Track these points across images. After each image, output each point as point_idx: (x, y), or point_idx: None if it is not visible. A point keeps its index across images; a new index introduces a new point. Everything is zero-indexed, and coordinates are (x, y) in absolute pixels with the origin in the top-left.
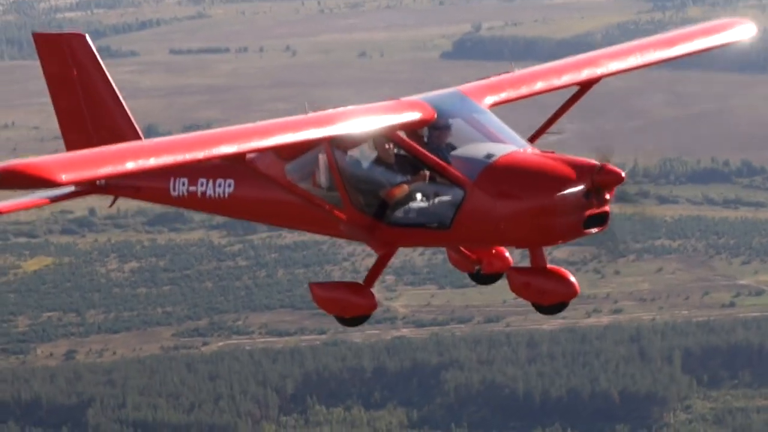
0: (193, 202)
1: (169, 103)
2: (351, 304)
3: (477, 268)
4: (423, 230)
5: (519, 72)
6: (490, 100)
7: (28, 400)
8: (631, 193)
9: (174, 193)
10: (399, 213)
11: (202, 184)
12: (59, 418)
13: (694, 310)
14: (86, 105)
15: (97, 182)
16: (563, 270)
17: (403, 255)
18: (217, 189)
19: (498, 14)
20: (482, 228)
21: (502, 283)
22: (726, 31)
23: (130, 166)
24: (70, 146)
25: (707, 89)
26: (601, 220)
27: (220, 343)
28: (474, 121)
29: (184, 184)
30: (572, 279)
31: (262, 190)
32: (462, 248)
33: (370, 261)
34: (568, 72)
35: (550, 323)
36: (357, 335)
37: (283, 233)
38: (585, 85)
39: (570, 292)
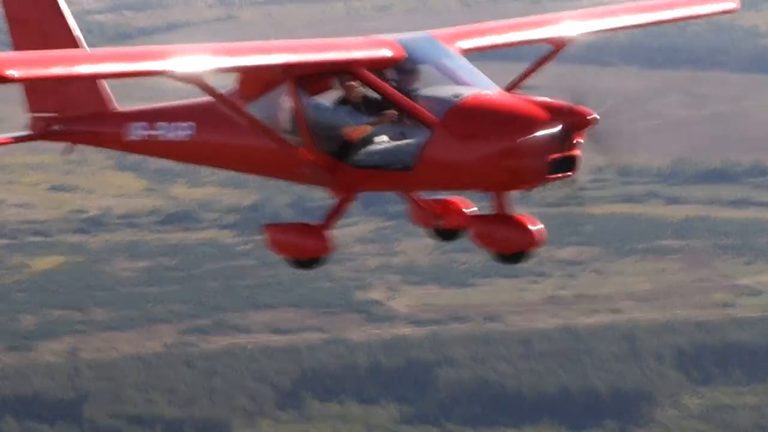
0: (153, 146)
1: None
2: (307, 245)
3: (438, 223)
4: (385, 172)
5: (494, 23)
6: (461, 44)
7: (28, 396)
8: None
9: (132, 138)
10: (362, 154)
11: (161, 128)
12: (56, 413)
13: (693, 310)
14: (47, 48)
15: (55, 127)
16: (527, 217)
17: (407, 255)
18: (177, 132)
19: (522, 16)
20: (445, 170)
21: (502, 286)
22: (708, 4)
23: (84, 69)
24: (29, 91)
25: (724, 90)
26: (570, 164)
27: (223, 342)
28: (444, 65)
29: (143, 128)
30: (536, 227)
31: (223, 133)
32: (423, 202)
33: (377, 260)
34: (543, 26)
35: (547, 322)
36: (357, 334)
37: None
38: (559, 44)
39: (532, 240)
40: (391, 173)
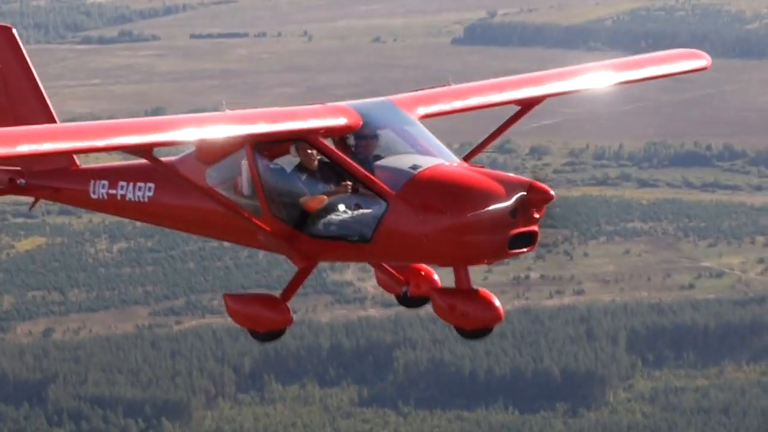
0: (113, 205)
1: (180, 87)
2: (264, 318)
3: (404, 290)
4: (343, 243)
5: (456, 86)
6: (421, 111)
7: None
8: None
9: (94, 196)
10: (319, 225)
11: (122, 188)
12: (22, 394)
13: (654, 292)
14: (8, 100)
15: (18, 182)
16: (488, 293)
17: None
18: (137, 192)
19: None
20: (404, 243)
21: (470, 268)
22: (679, 62)
23: (23, 149)
24: None
25: (704, 74)
26: (529, 239)
27: (193, 322)
28: (403, 132)
29: (104, 187)
30: (496, 303)
31: (182, 196)
32: (389, 269)
33: None
34: (508, 89)
35: (509, 304)
36: (324, 315)
37: None
38: (526, 105)
39: (493, 316)
40: (349, 245)
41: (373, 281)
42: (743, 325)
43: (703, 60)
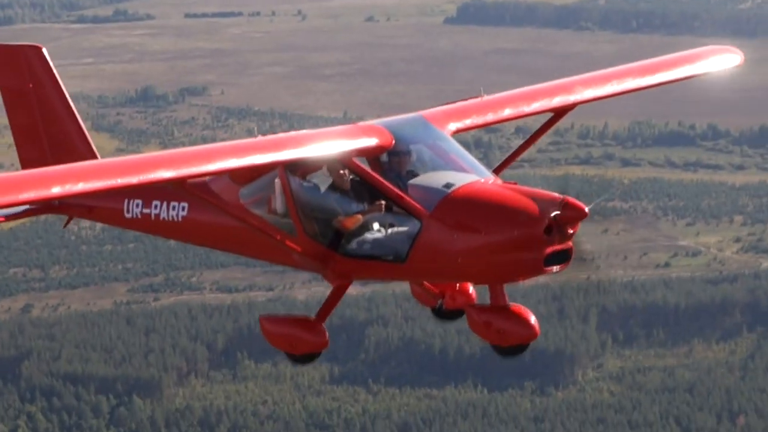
0: (147, 224)
1: (171, 66)
2: (301, 340)
3: (439, 302)
4: (378, 263)
5: (487, 97)
6: (453, 126)
7: None
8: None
9: (128, 215)
10: (353, 244)
11: (156, 207)
12: None
13: (630, 270)
14: (41, 120)
15: (53, 202)
16: (524, 309)
17: None
18: (170, 212)
19: None
20: (439, 262)
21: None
22: (710, 58)
23: (56, 191)
24: (25, 162)
25: None
26: (564, 257)
27: (171, 299)
28: (436, 148)
29: (138, 206)
30: (532, 320)
31: (216, 214)
32: (426, 283)
33: None
34: (540, 99)
35: None
36: (302, 293)
37: None
38: (558, 112)
39: (530, 333)
40: (384, 264)
41: None
42: (714, 304)
43: (736, 56)
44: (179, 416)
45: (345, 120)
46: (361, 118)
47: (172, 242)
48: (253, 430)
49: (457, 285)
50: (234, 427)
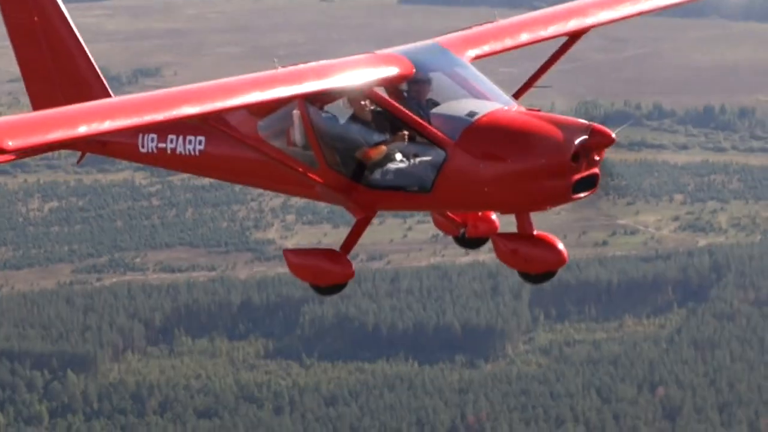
0: (163, 159)
1: (126, 47)
2: (326, 271)
3: (462, 231)
4: (402, 193)
5: (502, 22)
6: (471, 53)
7: None
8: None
9: (143, 150)
10: (377, 175)
11: (171, 141)
12: None
13: (568, 249)
14: (49, 54)
15: None
16: (551, 236)
17: None
18: (187, 146)
19: None
20: (465, 192)
21: (392, 226)
22: None
23: (83, 130)
24: (34, 97)
25: (640, 33)
26: (591, 183)
27: (114, 279)
28: (456, 76)
29: (153, 140)
30: (560, 246)
31: (234, 147)
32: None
33: (278, 201)
34: (555, 22)
35: (425, 261)
36: (243, 272)
37: None
38: (574, 36)
39: (558, 259)
40: (408, 194)
41: (295, 239)
42: (647, 280)
43: None
44: (112, 390)
45: None
46: None
47: (119, 224)
48: (183, 404)
49: (480, 213)
50: (165, 401)
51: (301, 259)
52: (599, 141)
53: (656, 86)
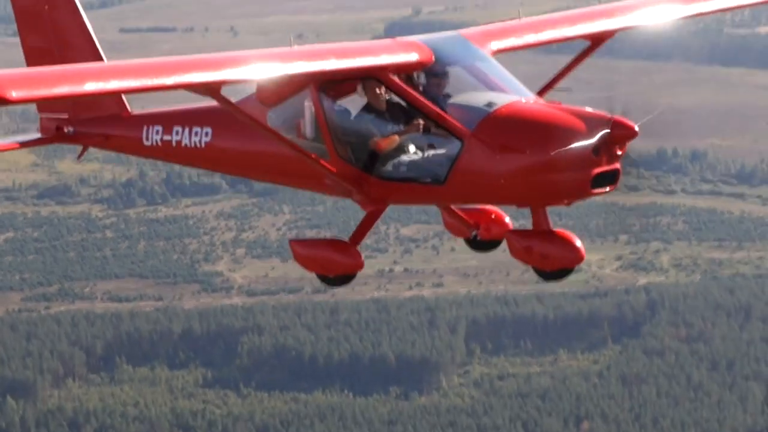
0: (168, 152)
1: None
2: (334, 262)
3: (474, 233)
4: (415, 185)
5: (527, 19)
6: (493, 46)
7: None
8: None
9: (147, 143)
10: (389, 166)
11: (177, 133)
12: None
13: (510, 285)
14: (56, 45)
15: (65, 129)
16: (568, 233)
17: (260, 230)
18: (193, 138)
19: None
20: (480, 184)
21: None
22: None
23: (89, 87)
24: None
25: (603, 76)
26: (612, 178)
27: (62, 308)
28: (475, 69)
29: (157, 133)
30: (578, 243)
31: (242, 139)
32: (458, 212)
33: (229, 234)
34: (581, 22)
35: (364, 294)
36: (190, 302)
37: (160, 208)
38: (597, 40)
39: (575, 257)
40: (421, 187)
41: (243, 272)
42: (583, 316)
43: None
44: (50, 416)
45: None
46: None
47: (72, 254)
48: (119, 431)
49: (493, 215)
50: (101, 428)
51: (308, 250)
52: (622, 134)
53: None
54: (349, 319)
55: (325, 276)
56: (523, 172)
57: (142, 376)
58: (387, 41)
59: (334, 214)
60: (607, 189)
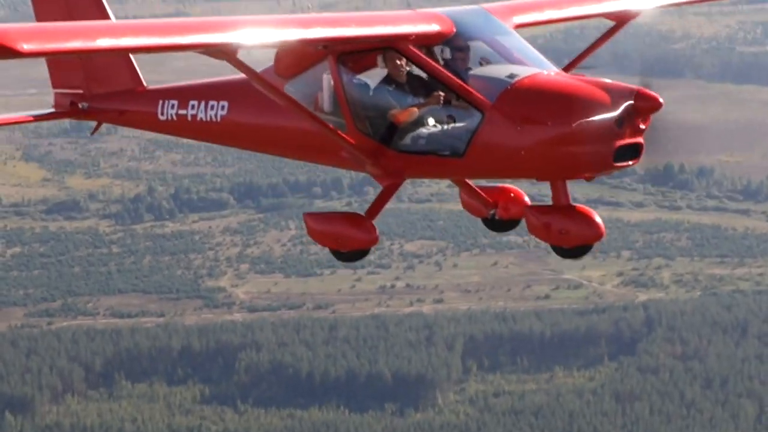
0: (183, 127)
1: None
2: (348, 237)
3: (492, 212)
4: (433, 158)
5: None
6: (516, 20)
7: None
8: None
9: (162, 118)
10: (407, 139)
11: (192, 107)
12: None
13: (511, 302)
14: (69, 15)
15: (80, 105)
16: (587, 209)
17: (264, 246)
18: (209, 112)
19: None
20: (500, 156)
21: (342, 276)
22: None
23: (102, 43)
24: (52, 67)
25: None
26: (635, 151)
27: (65, 324)
28: (497, 43)
29: (173, 107)
30: (597, 219)
31: (259, 113)
32: (477, 190)
33: (234, 250)
34: (605, 0)
35: (364, 311)
36: (192, 318)
37: (167, 223)
38: (621, 20)
39: (594, 233)
40: (440, 159)
41: (246, 287)
42: (580, 333)
43: None
44: None
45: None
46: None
47: (77, 269)
48: None
49: (512, 194)
50: None
51: (321, 225)
52: (646, 105)
53: None
54: (348, 336)
55: (339, 251)
56: (544, 145)
57: (140, 393)
58: (407, 11)
59: None
60: (630, 163)
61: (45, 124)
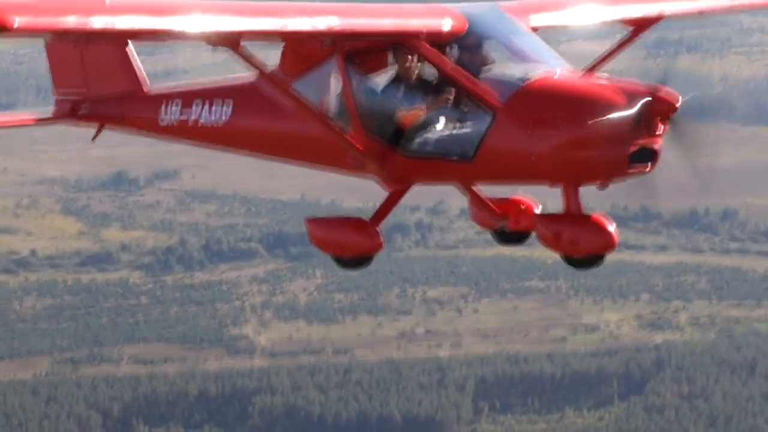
0: (185, 131)
1: (153, 150)
2: (350, 243)
3: (501, 225)
4: (441, 162)
5: None
6: (532, 21)
7: None
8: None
9: (163, 123)
10: (414, 141)
11: (195, 111)
12: None
13: (528, 345)
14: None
15: (82, 108)
16: (600, 217)
17: (290, 294)
18: (212, 115)
19: None
20: (510, 161)
21: (363, 322)
22: None
23: (97, 22)
24: (52, 56)
25: None
26: (651, 156)
27: (90, 371)
28: (511, 42)
29: (174, 112)
30: (610, 228)
31: (264, 116)
32: (486, 202)
33: (259, 298)
34: (623, 4)
35: (379, 355)
36: (212, 364)
37: (197, 274)
38: (640, 26)
39: (606, 242)
40: (448, 163)
41: (268, 334)
42: (592, 374)
43: None
44: None
45: (302, 201)
46: (317, 201)
47: (103, 319)
48: None
49: (522, 206)
50: None
51: (323, 231)
52: (663, 107)
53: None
54: (361, 379)
55: (341, 258)
56: (556, 148)
57: None
58: (419, 6)
59: (365, 277)
60: (647, 168)
61: (85, 178)
